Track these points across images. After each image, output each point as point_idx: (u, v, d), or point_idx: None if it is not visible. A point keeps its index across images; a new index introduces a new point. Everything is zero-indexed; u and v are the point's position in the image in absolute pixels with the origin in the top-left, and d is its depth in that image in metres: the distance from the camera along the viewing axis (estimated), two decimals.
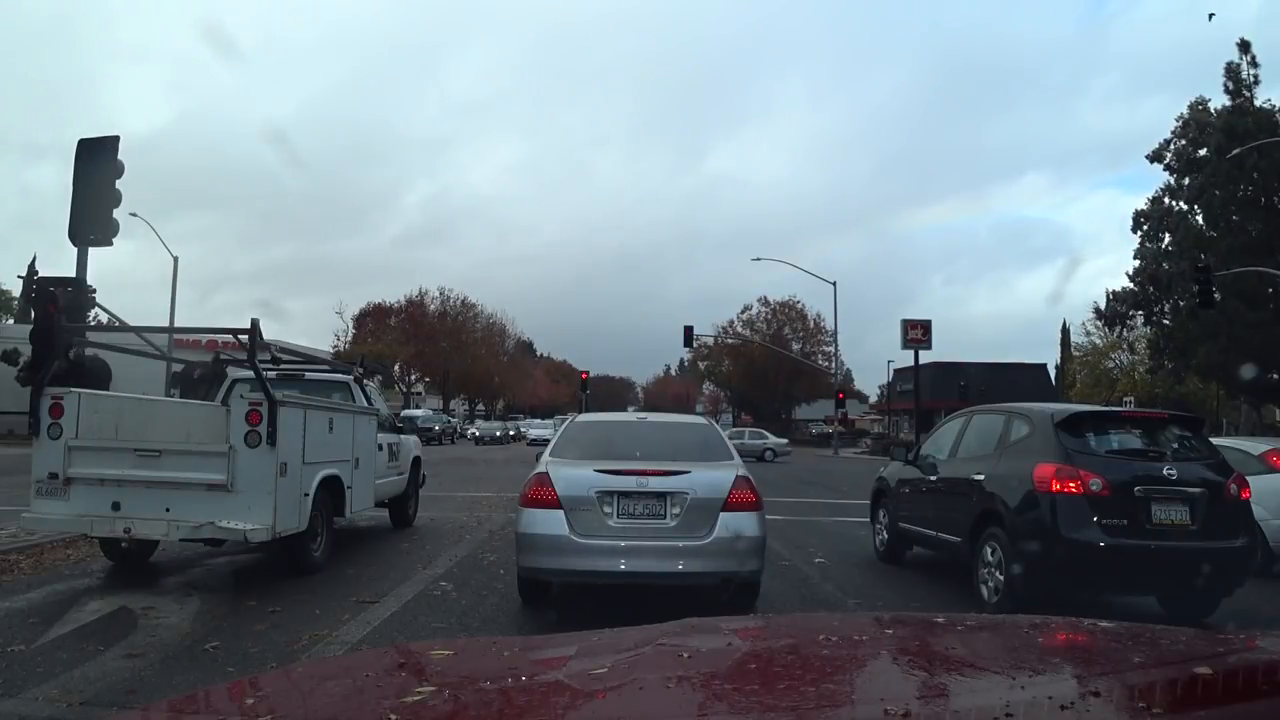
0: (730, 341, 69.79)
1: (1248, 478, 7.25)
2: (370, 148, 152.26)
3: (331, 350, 55.17)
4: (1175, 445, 7.11)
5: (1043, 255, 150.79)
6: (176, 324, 19.05)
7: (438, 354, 70.82)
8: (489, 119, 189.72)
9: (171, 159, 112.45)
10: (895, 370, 58.35)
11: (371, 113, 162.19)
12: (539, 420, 62.22)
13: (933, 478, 8.61)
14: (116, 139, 10.52)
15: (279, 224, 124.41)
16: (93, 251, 10.25)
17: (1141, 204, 37.15)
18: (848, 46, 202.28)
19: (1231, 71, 32.47)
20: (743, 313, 71.85)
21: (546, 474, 6.26)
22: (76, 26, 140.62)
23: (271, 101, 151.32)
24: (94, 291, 9.79)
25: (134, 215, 24.15)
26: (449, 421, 55.80)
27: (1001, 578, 6.78)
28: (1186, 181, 34.43)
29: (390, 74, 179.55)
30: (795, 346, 67.68)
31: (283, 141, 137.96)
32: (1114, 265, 78.96)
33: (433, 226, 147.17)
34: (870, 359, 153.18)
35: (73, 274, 9.86)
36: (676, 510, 6.07)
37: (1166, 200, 36.18)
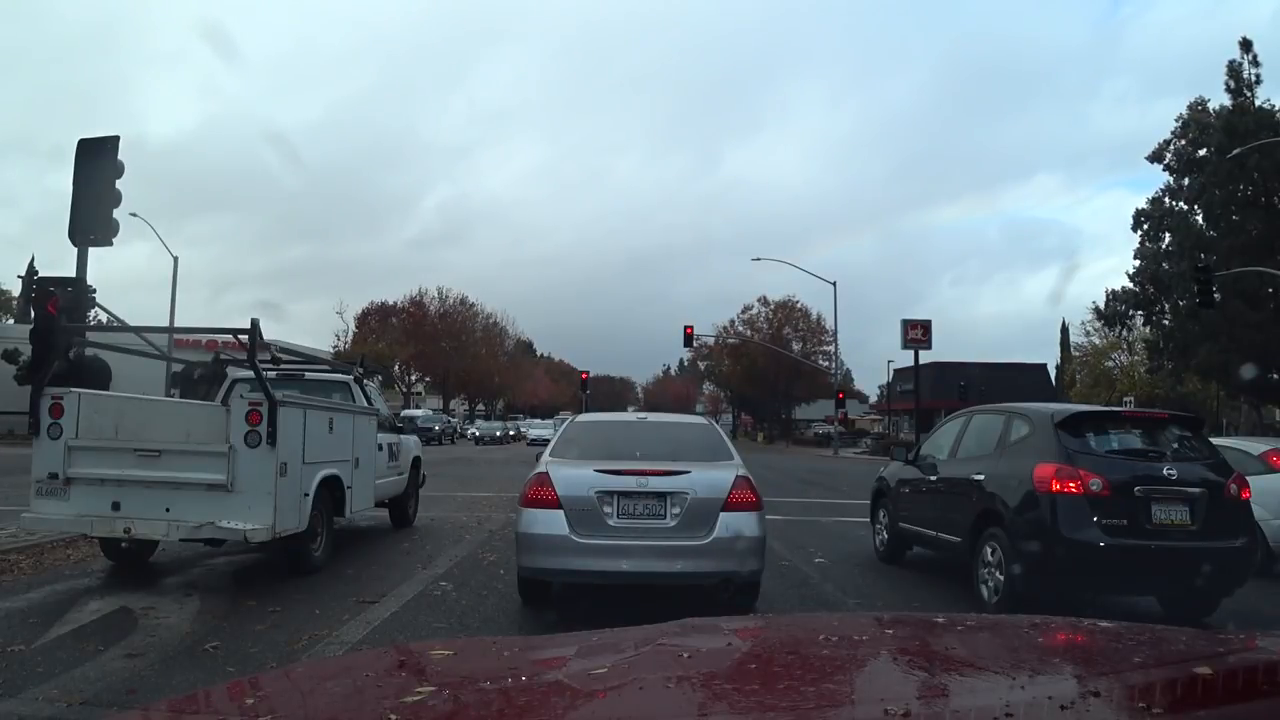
0: (731, 341, 69.77)
1: (1248, 478, 7.25)
2: (393, 152, 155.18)
3: (332, 350, 55.17)
4: (1175, 445, 7.10)
5: (1051, 256, 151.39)
6: (177, 324, 19.07)
7: (438, 354, 70.81)
8: (511, 125, 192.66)
9: (196, 162, 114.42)
10: (895, 370, 58.35)
11: (395, 119, 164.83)
12: (539, 420, 62.21)
13: (933, 478, 8.61)
14: (116, 139, 10.52)
15: (296, 226, 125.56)
16: (103, 252, 10.28)
17: (1145, 205, 37.18)
18: (864, 51, 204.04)
19: (1233, 71, 32.44)
20: (743, 312, 71.89)
21: (547, 474, 6.26)
22: (101, 34, 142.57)
23: (296, 106, 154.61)
24: (94, 291, 9.81)
25: (134, 215, 24.18)
26: (449, 421, 55.80)
27: (1001, 578, 6.78)
28: (1186, 181, 34.43)
29: (415, 82, 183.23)
30: (795, 346, 67.66)
31: (305, 146, 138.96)
32: (1120, 266, 79.44)
33: (449, 229, 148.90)
34: (873, 359, 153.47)
35: (84, 275, 9.87)
36: (676, 510, 6.07)
37: (1166, 200, 36.17)
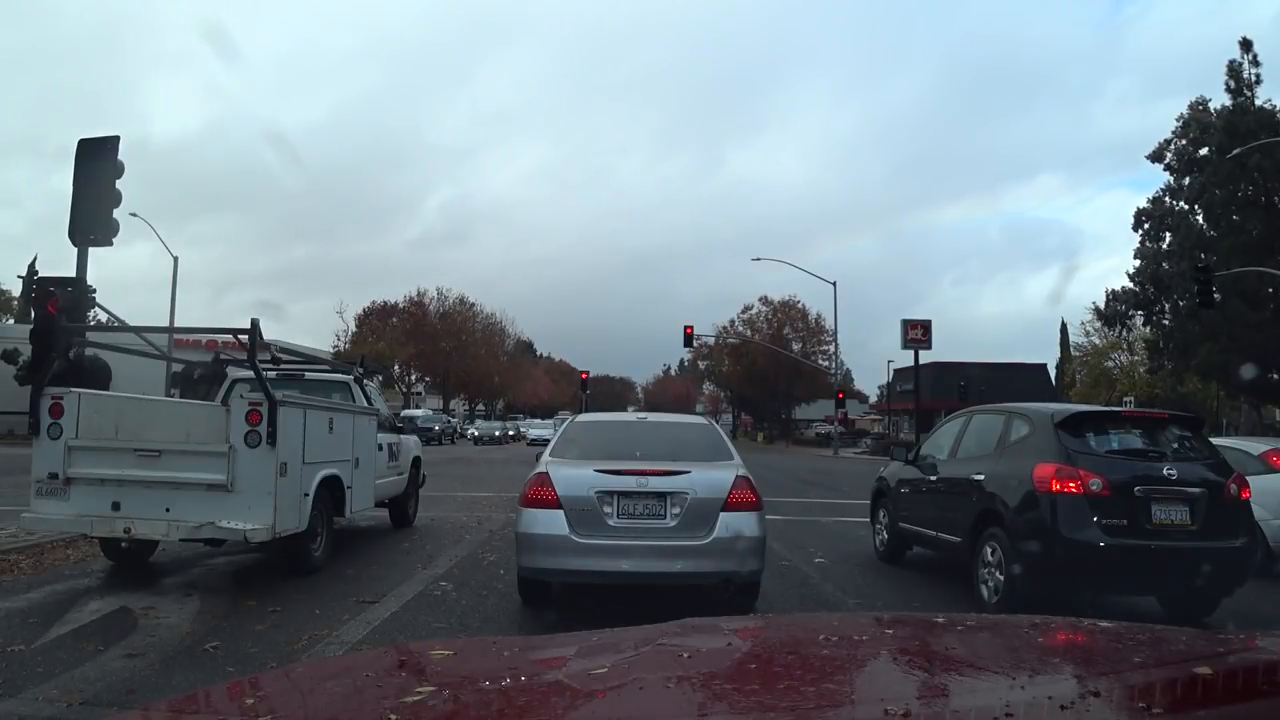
0: (731, 341, 69.77)
1: (1248, 478, 7.25)
2: (396, 153, 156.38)
3: (332, 350, 55.17)
4: (1175, 445, 7.10)
5: (1052, 256, 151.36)
6: (178, 324, 19.06)
7: (438, 354, 70.80)
8: (514, 126, 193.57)
9: (200, 163, 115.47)
10: (895, 370, 58.34)
11: (398, 120, 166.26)
12: (539, 420, 62.19)
13: (933, 478, 8.61)
14: (116, 139, 10.51)
15: (298, 226, 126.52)
16: (104, 252, 10.27)
17: (1145, 204, 37.19)
18: (866, 51, 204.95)
19: (1233, 70, 32.44)
20: (743, 312, 71.86)
21: (547, 474, 6.26)
22: (106, 35, 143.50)
23: (300, 107, 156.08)
24: (94, 291, 9.79)
25: (134, 216, 24.18)
26: (449, 421, 55.78)
27: (1001, 578, 6.78)
28: (1187, 181, 34.44)
29: (418, 83, 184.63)
30: (795, 346, 67.65)
31: (308, 147, 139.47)
32: (1121, 266, 79.78)
33: (451, 230, 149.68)
34: (874, 359, 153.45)
35: (84, 275, 9.86)
36: (676, 510, 6.07)
37: (1167, 200, 36.18)
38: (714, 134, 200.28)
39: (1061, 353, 62.58)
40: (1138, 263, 36.76)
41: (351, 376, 10.68)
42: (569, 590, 6.82)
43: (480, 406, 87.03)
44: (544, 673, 1.69)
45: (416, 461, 11.86)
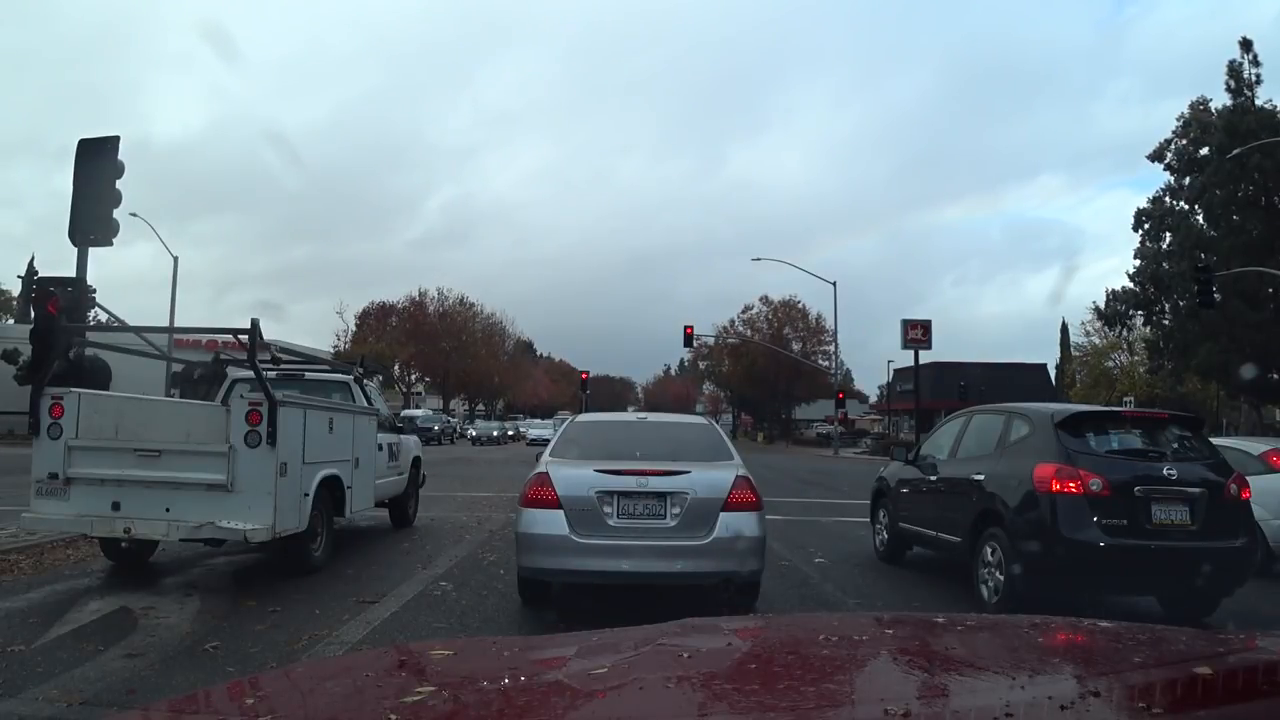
0: (731, 341, 69.80)
1: (1248, 478, 7.25)
2: (397, 154, 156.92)
3: (332, 350, 55.19)
4: (1175, 445, 7.10)
5: (1053, 256, 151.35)
6: (178, 324, 19.05)
7: (438, 354, 70.83)
8: (516, 127, 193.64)
9: (202, 163, 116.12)
10: (895, 370, 58.34)
11: (400, 120, 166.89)
12: (539, 420, 62.21)
13: (933, 478, 8.61)
14: (116, 139, 10.52)
15: (300, 226, 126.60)
16: (104, 252, 10.29)
17: (1146, 204, 37.22)
18: (868, 52, 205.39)
19: (1234, 71, 32.48)
20: (744, 312, 71.92)
21: (547, 474, 6.26)
22: (109, 36, 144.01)
23: (302, 108, 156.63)
24: (94, 291, 9.80)
25: (134, 216, 24.20)
26: (449, 421, 55.78)
27: (1001, 578, 6.78)
28: (1187, 181, 34.47)
29: (420, 83, 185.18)
30: (795, 346, 67.66)
31: (310, 147, 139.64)
32: (1121, 266, 80.00)
33: (453, 230, 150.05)
34: (874, 359, 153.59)
35: (84, 275, 9.86)
36: (676, 510, 6.07)
37: (1167, 200, 36.21)
38: (715, 134, 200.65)
39: (1061, 353, 62.61)
40: (1138, 263, 36.84)
41: (351, 376, 10.68)
42: (569, 590, 6.82)
43: (480, 406, 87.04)
44: (544, 673, 1.69)
45: (416, 461, 11.87)
